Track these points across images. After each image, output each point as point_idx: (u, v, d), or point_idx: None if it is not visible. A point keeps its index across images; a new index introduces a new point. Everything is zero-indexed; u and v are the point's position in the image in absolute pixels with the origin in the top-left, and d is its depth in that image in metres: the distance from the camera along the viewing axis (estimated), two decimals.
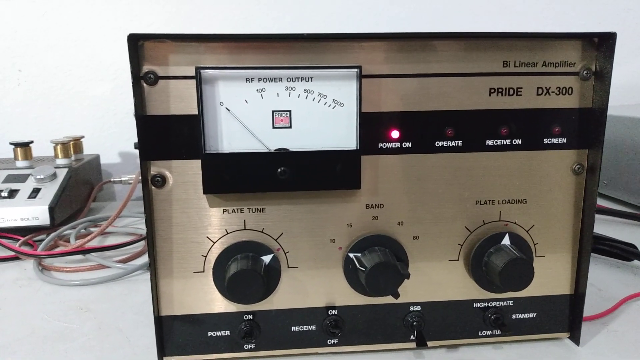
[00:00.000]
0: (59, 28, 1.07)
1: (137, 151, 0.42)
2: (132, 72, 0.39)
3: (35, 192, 0.82)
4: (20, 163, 0.91)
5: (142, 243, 0.77)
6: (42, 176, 0.84)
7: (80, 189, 0.93)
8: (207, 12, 1.08)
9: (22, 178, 0.85)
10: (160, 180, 0.42)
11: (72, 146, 0.95)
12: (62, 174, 0.87)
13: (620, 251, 0.67)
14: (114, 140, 1.10)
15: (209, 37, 0.40)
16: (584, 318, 0.48)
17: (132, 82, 0.39)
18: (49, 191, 0.83)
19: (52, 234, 0.78)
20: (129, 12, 1.07)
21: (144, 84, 0.40)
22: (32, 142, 0.93)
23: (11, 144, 0.92)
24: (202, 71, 0.40)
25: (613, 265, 0.68)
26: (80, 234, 0.81)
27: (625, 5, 1.19)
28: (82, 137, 1.01)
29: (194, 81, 0.40)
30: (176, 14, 1.08)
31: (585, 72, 0.44)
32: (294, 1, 1.10)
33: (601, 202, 0.95)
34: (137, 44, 0.39)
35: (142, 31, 0.40)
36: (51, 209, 0.79)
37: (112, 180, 0.96)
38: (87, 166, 0.98)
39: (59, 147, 0.92)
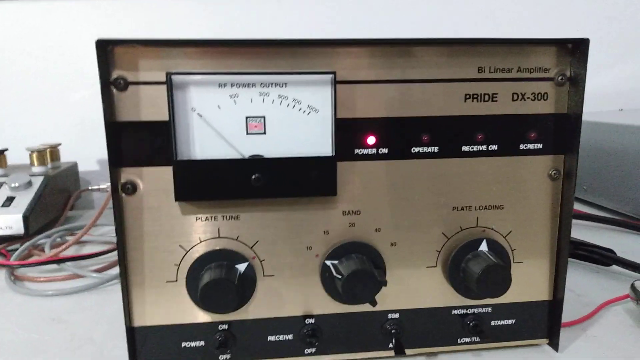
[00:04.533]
0: (35, 34, 1.05)
1: None
2: (100, 77, 0.38)
3: (9, 200, 0.80)
4: None
5: None
6: (16, 184, 0.82)
7: (56, 197, 0.91)
8: (189, 19, 1.08)
9: None
10: (131, 188, 0.41)
11: (48, 154, 0.93)
12: (37, 182, 0.85)
13: (599, 256, 0.68)
14: (92, 147, 1.08)
15: (180, 42, 0.39)
16: (563, 324, 0.48)
17: (101, 88, 0.39)
18: (24, 199, 0.81)
19: (26, 243, 0.76)
20: (108, 19, 1.06)
21: (114, 90, 0.39)
22: (6, 149, 0.91)
23: None
24: (173, 76, 0.39)
25: (592, 270, 0.68)
26: (55, 243, 0.79)
27: (605, 13, 1.20)
28: (59, 144, 0.99)
29: (164, 87, 0.39)
30: (157, 21, 1.07)
31: (560, 77, 0.44)
32: (276, 9, 1.10)
33: (580, 208, 0.96)
34: (106, 49, 0.39)
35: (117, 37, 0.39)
36: (25, 218, 0.78)
37: (90, 188, 0.94)
38: (64, 174, 0.96)
39: (34, 154, 0.90)
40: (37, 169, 0.90)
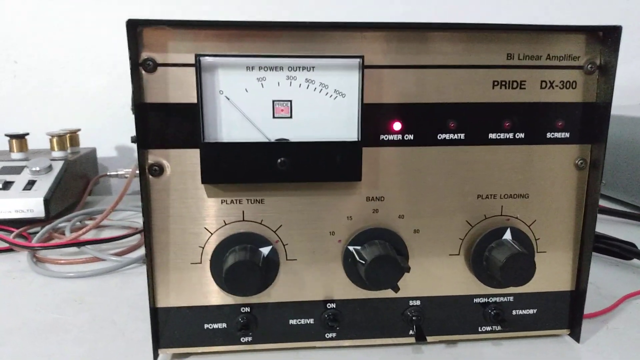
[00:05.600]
0: (56, 19, 1.06)
1: (133, 145, 0.41)
2: (130, 58, 0.38)
3: (30, 184, 0.81)
4: (16, 155, 0.90)
5: (138, 236, 0.76)
6: (37, 168, 0.83)
7: (76, 182, 0.92)
8: (210, 3, 1.08)
9: (17, 170, 0.84)
10: (158, 170, 0.41)
11: (68, 139, 0.94)
12: (57, 166, 0.86)
13: (620, 250, 0.67)
14: (110, 133, 1.09)
15: (208, 24, 0.39)
16: (584, 315, 0.48)
17: (131, 69, 0.39)
18: (44, 183, 0.82)
19: (47, 227, 0.77)
20: (128, 4, 1.06)
21: (143, 71, 0.39)
22: (27, 134, 0.92)
23: (6, 135, 0.91)
24: (201, 58, 0.39)
25: (612, 263, 0.67)
26: (75, 227, 0.80)
27: (623, 5, 1.19)
28: (79, 129, 1.00)
29: (193, 69, 0.39)
30: (177, 5, 1.07)
31: (589, 66, 0.43)
32: None
33: (600, 202, 0.95)
34: (135, 30, 0.39)
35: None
36: (46, 201, 0.79)
37: (108, 174, 0.95)
38: (83, 159, 0.97)
39: (55, 139, 0.91)
40: (57, 153, 0.91)
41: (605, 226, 0.82)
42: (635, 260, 0.67)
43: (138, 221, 0.85)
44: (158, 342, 0.44)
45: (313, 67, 0.40)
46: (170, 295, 0.44)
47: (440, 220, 0.45)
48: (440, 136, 0.43)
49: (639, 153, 0.89)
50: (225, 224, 0.43)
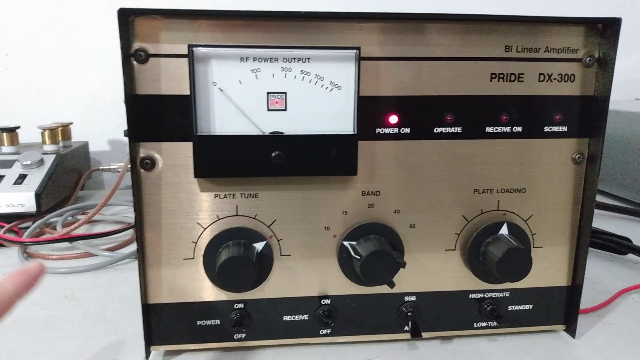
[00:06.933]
0: (48, 12, 1.04)
1: (126, 139, 0.40)
2: (121, 49, 0.38)
3: (21, 178, 0.80)
4: (6, 149, 0.88)
5: (130, 231, 0.76)
6: (28, 162, 0.82)
7: (67, 176, 0.91)
8: None
9: (8, 164, 0.83)
10: (150, 163, 0.40)
11: (60, 132, 0.93)
12: (49, 160, 0.85)
13: (615, 244, 0.67)
14: (103, 127, 1.08)
15: (202, 14, 0.38)
16: (580, 311, 0.47)
17: (122, 60, 0.38)
18: (36, 177, 0.80)
19: (38, 221, 0.76)
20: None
21: (134, 62, 0.39)
22: (18, 127, 0.90)
23: None
24: (194, 49, 0.38)
25: (607, 258, 0.67)
26: (67, 222, 0.79)
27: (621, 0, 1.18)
28: (71, 123, 0.99)
29: (186, 60, 0.38)
30: None
31: (588, 58, 0.43)
32: None
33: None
34: (127, 19, 0.38)
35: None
36: (37, 196, 0.77)
37: (100, 168, 0.94)
38: (75, 153, 0.95)
39: (46, 132, 0.90)
40: (48, 147, 0.89)
41: (601, 221, 0.82)
42: (630, 255, 0.66)
43: (130, 216, 0.84)
44: (150, 339, 0.44)
45: (308, 59, 0.39)
46: (163, 292, 0.43)
47: (436, 215, 0.44)
48: (437, 130, 0.43)
49: (634, 148, 0.89)
50: (219, 219, 0.42)
